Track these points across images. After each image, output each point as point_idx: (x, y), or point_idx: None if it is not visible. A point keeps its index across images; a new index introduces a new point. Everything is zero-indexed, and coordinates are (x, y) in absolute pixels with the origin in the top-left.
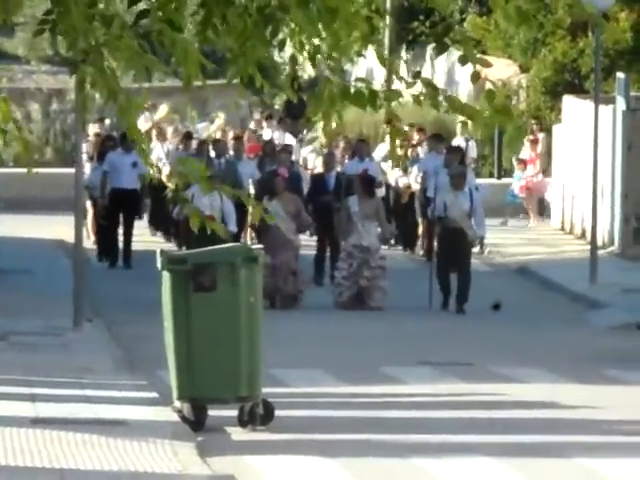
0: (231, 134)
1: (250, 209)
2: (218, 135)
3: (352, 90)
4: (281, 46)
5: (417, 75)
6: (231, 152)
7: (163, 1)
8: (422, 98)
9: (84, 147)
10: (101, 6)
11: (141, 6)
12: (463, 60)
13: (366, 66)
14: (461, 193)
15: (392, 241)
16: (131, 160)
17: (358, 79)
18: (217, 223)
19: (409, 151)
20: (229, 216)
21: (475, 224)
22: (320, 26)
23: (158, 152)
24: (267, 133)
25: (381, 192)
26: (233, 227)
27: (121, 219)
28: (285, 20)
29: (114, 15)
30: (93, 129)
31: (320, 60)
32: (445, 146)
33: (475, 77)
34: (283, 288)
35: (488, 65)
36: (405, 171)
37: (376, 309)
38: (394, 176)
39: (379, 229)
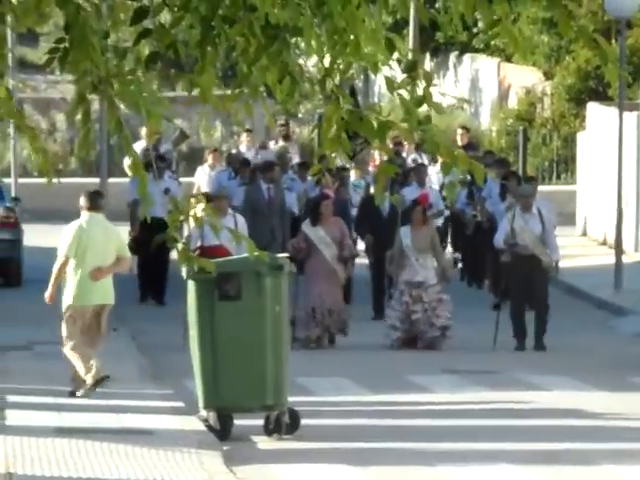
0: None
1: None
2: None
3: (361, 118)
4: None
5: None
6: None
7: (175, 20)
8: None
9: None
10: (114, 37)
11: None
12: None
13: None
14: (530, 216)
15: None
16: (163, 187)
17: (368, 107)
18: (204, 259)
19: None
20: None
21: (548, 248)
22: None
23: (199, 178)
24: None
25: (438, 222)
26: None
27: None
28: (290, 41)
29: (128, 48)
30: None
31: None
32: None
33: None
34: (329, 326)
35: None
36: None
37: (428, 349)
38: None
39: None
